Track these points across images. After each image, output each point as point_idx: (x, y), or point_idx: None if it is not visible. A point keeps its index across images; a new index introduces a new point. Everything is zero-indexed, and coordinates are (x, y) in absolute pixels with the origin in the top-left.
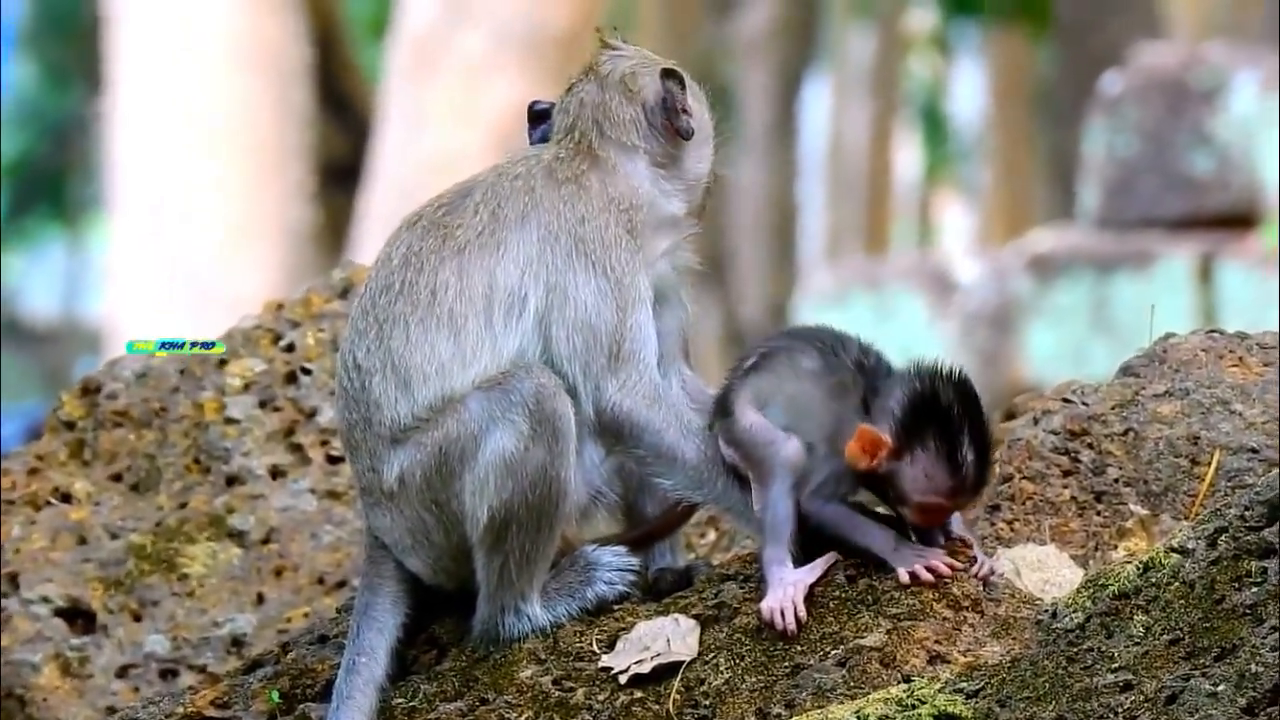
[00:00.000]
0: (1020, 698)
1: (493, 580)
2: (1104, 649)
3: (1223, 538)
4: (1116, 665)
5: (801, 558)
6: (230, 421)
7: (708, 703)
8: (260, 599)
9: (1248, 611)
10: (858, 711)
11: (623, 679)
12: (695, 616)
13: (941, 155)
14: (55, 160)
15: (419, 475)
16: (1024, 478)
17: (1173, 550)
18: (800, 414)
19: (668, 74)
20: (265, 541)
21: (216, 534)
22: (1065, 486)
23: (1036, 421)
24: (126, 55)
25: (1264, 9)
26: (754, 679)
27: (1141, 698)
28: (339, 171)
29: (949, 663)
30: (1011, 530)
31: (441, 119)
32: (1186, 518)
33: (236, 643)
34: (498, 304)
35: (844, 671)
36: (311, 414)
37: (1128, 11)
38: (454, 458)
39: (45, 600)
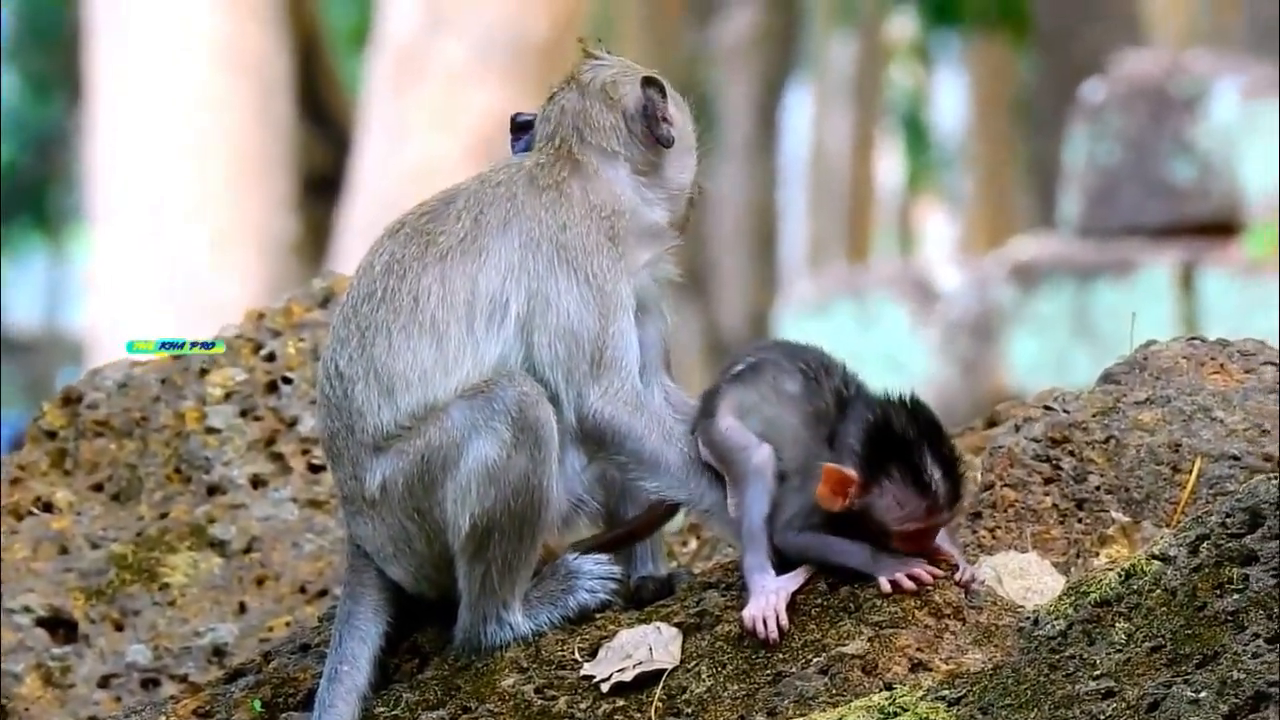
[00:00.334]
0: (1002, 705)
1: (475, 588)
2: (1086, 656)
3: (1204, 545)
4: (1098, 672)
5: (782, 565)
6: (211, 431)
7: (690, 711)
8: (242, 608)
9: (1229, 618)
10: (840, 719)
11: (605, 687)
12: (677, 625)
13: (923, 164)
14: (37, 170)
15: (401, 483)
16: (1005, 485)
17: (1154, 558)
18: (776, 438)
19: (648, 82)
20: (247, 551)
21: (198, 543)
22: (1047, 494)
23: (1018, 429)
24: (108, 66)
25: (1245, 17)
26: (736, 687)
27: (1123, 705)
28: (320, 181)
29: (931, 670)
30: (993, 538)
31: (423, 129)
32: (1168, 525)
33: (218, 652)
34: (480, 311)
35: (826, 679)
36: (293, 423)
37: (1108, 20)
38: (436, 466)
39: (27, 610)
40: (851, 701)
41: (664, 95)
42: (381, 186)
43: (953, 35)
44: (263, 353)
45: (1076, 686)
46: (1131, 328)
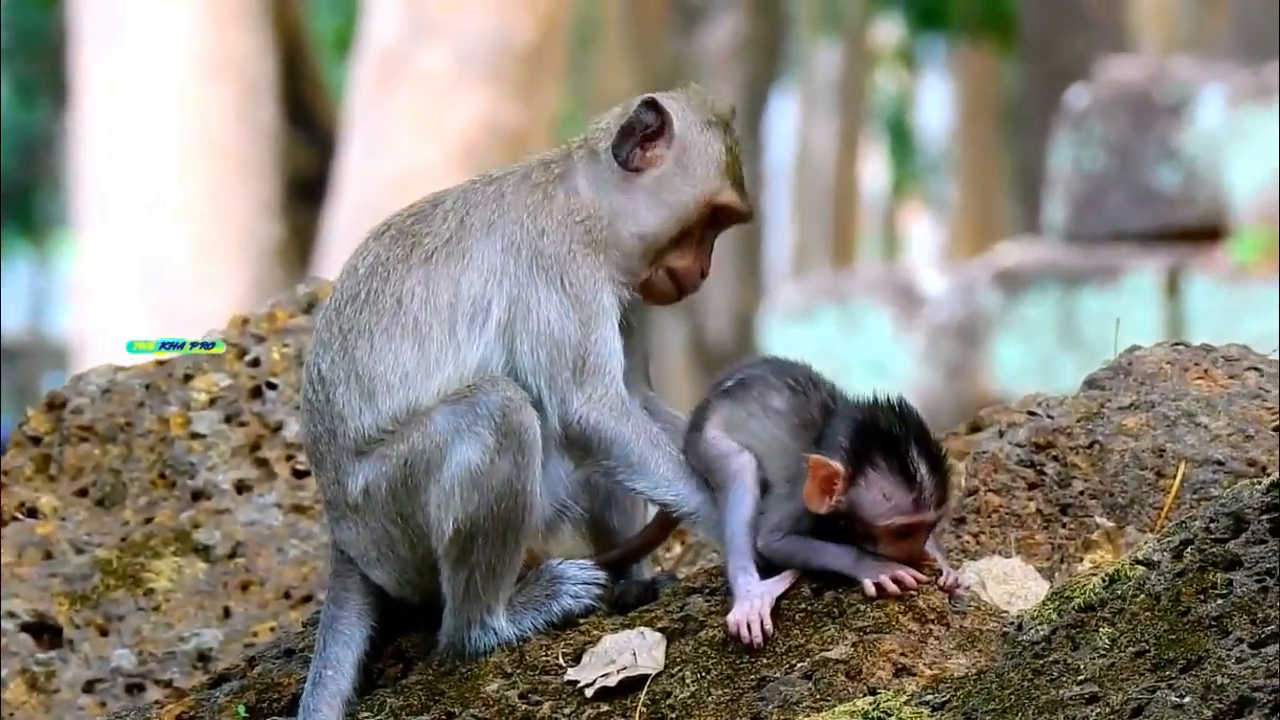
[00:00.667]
0: (986, 710)
1: (458, 593)
2: (1070, 661)
3: (1188, 550)
4: (1082, 677)
5: (767, 570)
6: (196, 436)
7: (674, 716)
8: (226, 613)
9: (1213, 623)
10: None
11: (589, 692)
12: (661, 629)
13: (908, 169)
14: (22, 176)
15: (384, 488)
16: (989, 490)
17: (1138, 562)
18: (764, 452)
19: (647, 104)
20: (231, 556)
21: (182, 549)
22: (1030, 499)
23: (1002, 434)
24: (93, 72)
25: (1229, 23)
26: (720, 692)
27: (1107, 710)
28: (305, 187)
29: (915, 675)
30: (977, 543)
31: (407, 134)
32: (1152, 530)
33: (203, 657)
34: (461, 313)
35: (810, 684)
36: (277, 428)
37: (1094, 26)
38: (419, 470)
39: (11, 615)
40: (835, 706)
41: (659, 119)
42: (366, 191)
43: (938, 41)
44: (247, 358)
45: (1060, 691)
46: (1116, 333)
